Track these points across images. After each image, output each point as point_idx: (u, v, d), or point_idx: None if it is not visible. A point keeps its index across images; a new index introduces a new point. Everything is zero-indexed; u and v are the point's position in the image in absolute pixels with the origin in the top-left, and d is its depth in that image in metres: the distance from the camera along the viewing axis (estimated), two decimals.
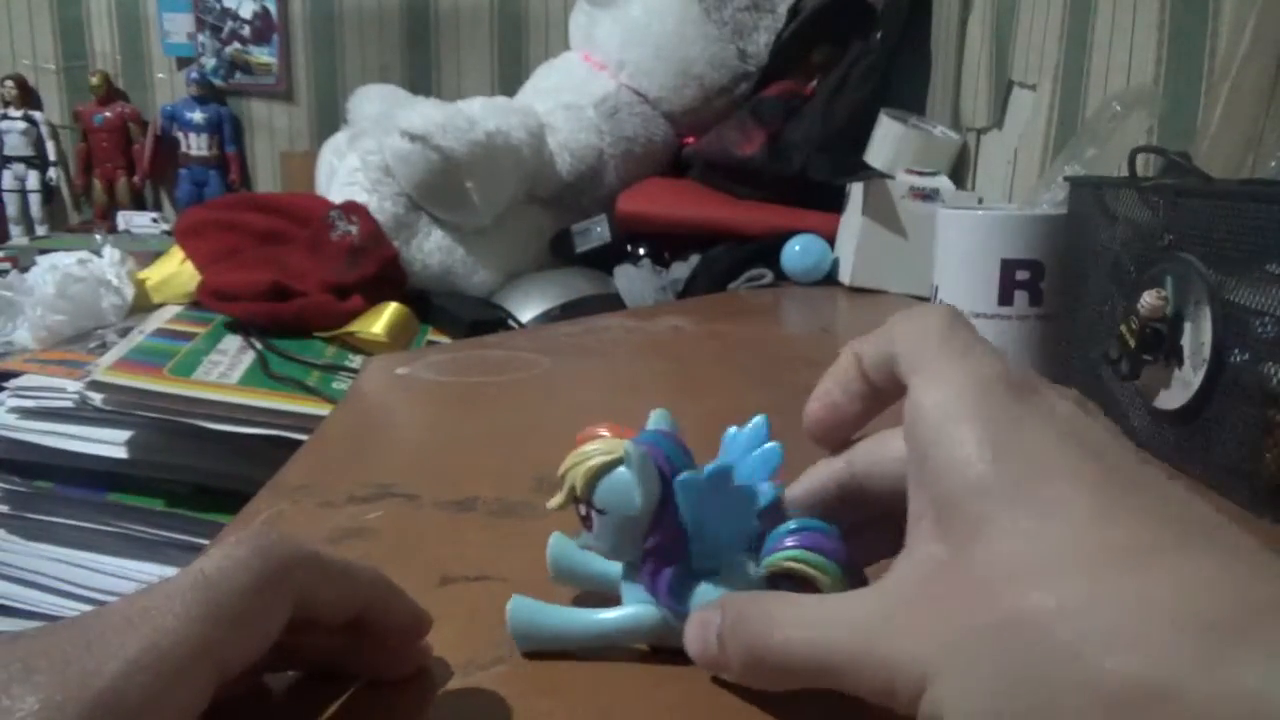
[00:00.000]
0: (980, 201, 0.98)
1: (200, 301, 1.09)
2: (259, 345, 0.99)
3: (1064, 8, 0.91)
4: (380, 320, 1.09)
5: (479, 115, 1.23)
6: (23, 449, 0.88)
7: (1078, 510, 0.19)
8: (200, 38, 2.09)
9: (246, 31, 2.08)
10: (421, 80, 2.02)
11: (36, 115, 2.10)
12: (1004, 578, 0.19)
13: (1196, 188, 0.45)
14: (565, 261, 1.33)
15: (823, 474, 0.28)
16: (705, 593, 0.27)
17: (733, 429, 0.29)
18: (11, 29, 2.11)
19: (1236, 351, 0.40)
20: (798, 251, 1.07)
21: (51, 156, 2.13)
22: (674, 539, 0.27)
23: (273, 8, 2.06)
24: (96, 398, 0.83)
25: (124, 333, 1.04)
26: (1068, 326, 0.56)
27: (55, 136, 2.13)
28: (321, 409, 0.86)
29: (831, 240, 1.09)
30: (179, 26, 2.09)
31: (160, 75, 2.13)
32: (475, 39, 2.04)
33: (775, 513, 0.27)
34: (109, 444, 0.87)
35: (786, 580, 0.26)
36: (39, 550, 0.87)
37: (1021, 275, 0.60)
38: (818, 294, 1.04)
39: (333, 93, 2.06)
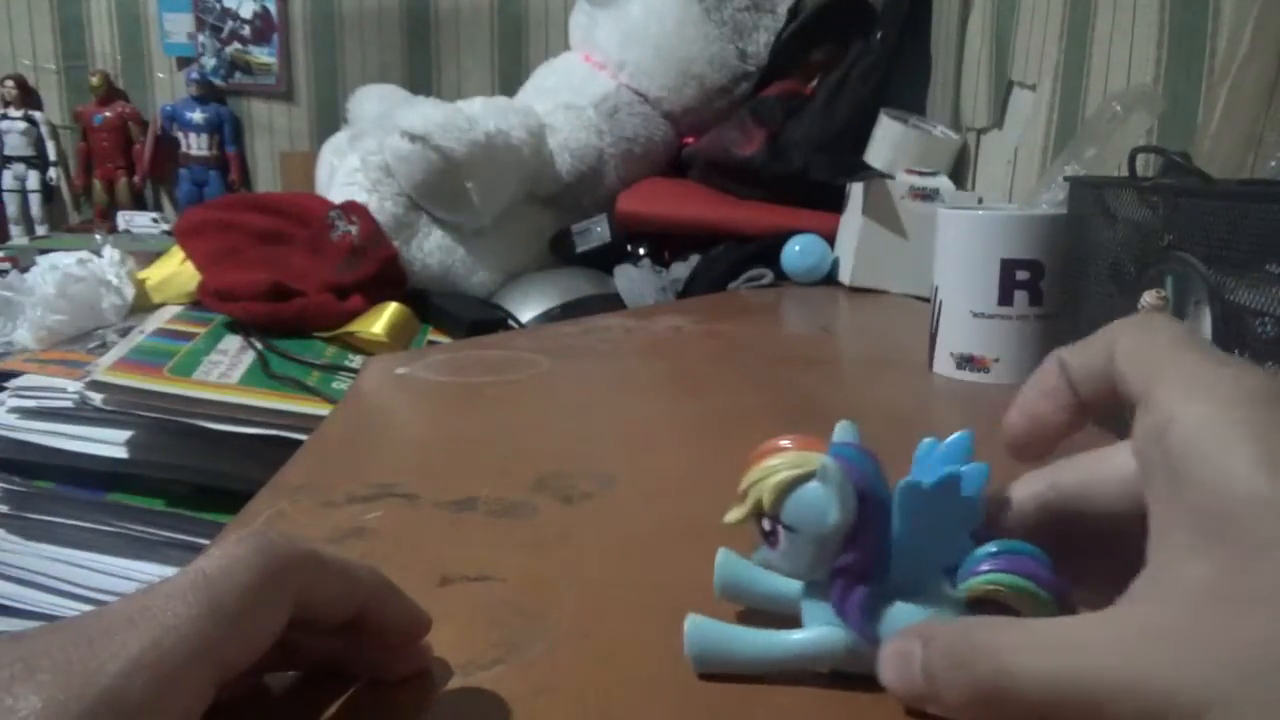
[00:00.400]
0: (980, 201, 0.98)
1: (200, 301, 1.09)
2: (259, 345, 0.99)
3: (1064, 8, 0.91)
4: (380, 320, 1.09)
5: (479, 115, 1.23)
6: (23, 449, 0.88)
7: None
8: (200, 38, 2.09)
9: (246, 31, 2.07)
10: (421, 80, 2.02)
11: (36, 115, 2.09)
12: None
13: (1196, 188, 0.45)
14: (565, 261, 1.33)
15: (1021, 495, 0.26)
16: (901, 615, 0.25)
17: (929, 440, 0.26)
18: (11, 29, 2.10)
19: (1236, 351, 0.40)
20: (798, 251, 1.07)
21: (51, 156, 2.13)
22: (869, 558, 0.25)
23: (273, 8, 2.06)
24: (96, 398, 0.83)
25: (124, 333, 1.04)
26: (1068, 326, 0.56)
27: (55, 136, 2.13)
28: (321, 409, 0.86)
29: (831, 240, 1.09)
30: (179, 26, 2.09)
31: (160, 75, 2.13)
32: (475, 39, 2.03)
33: (979, 535, 0.25)
34: (109, 444, 0.86)
35: (987, 607, 0.24)
36: (39, 550, 0.87)
37: (1021, 275, 0.61)
38: (818, 294, 1.04)
39: (333, 93, 2.06)
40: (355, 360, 1.03)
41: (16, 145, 2.08)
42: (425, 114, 1.20)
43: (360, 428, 0.56)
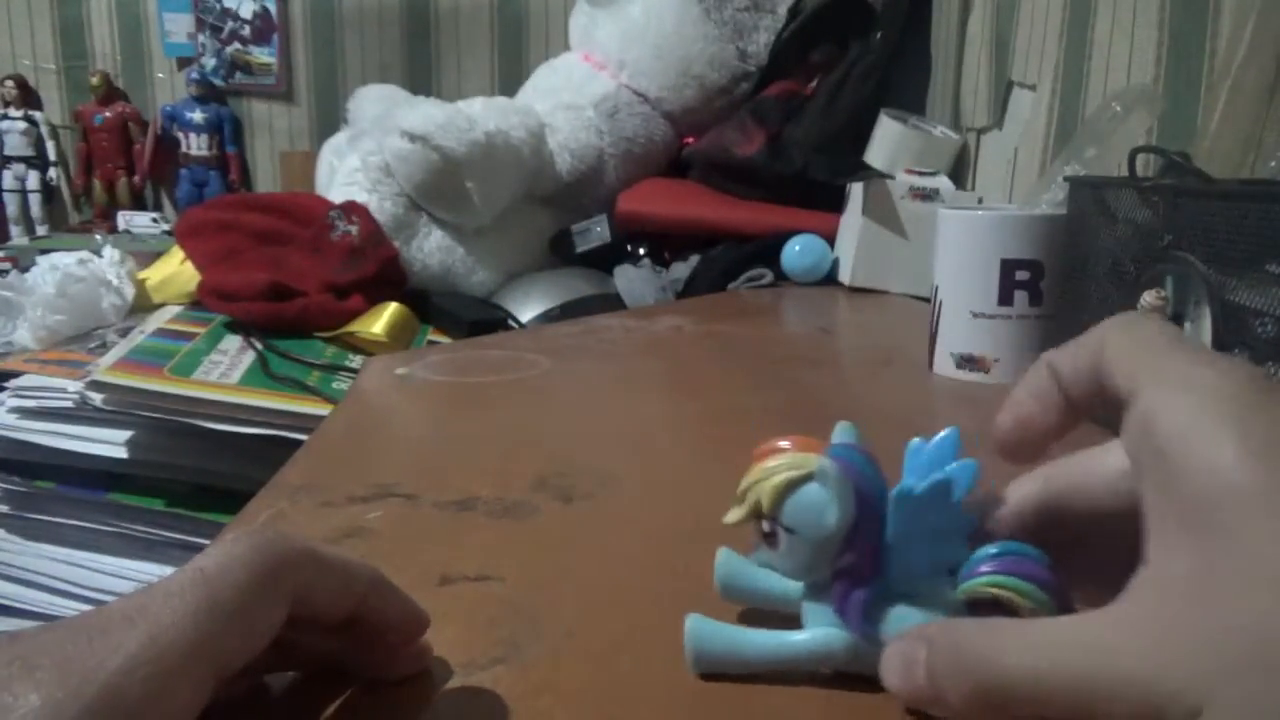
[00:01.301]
0: (980, 201, 0.98)
1: (200, 301, 1.09)
2: (259, 345, 0.99)
3: (1064, 8, 0.91)
4: (380, 320, 1.09)
5: (479, 115, 1.23)
6: (23, 449, 0.88)
7: None
8: (200, 38, 2.09)
9: (246, 31, 2.08)
10: (421, 80, 2.02)
11: (37, 115, 2.10)
12: (1274, 588, 0.17)
13: (1196, 188, 0.45)
14: (565, 261, 1.33)
15: (1015, 495, 0.26)
16: (901, 617, 0.25)
17: (918, 439, 0.26)
18: (11, 29, 2.10)
19: (1236, 351, 0.40)
20: (798, 251, 1.07)
21: (52, 156, 2.13)
22: (868, 559, 0.25)
23: (273, 8, 2.06)
24: (97, 398, 0.83)
25: (124, 333, 1.04)
26: (1068, 326, 0.56)
27: (55, 136, 2.14)
28: (321, 409, 0.86)
29: (831, 240, 1.09)
30: (179, 26, 2.09)
31: (160, 75, 2.13)
32: (475, 39, 2.04)
33: (977, 536, 0.25)
34: (109, 444, 0.87)
35: (987, 608, 0.24)
36: (39, 550, 0.87)
37: (1021, 275, 0.61)
38: (818, 294, 1.04)
39: (333, 93, 2.06)
40: (355, 360, 1.03)
41: (16, 145, 2.08)
42: (425, 114, 1.20)
43: (360, 428, 0.56)
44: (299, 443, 0.52)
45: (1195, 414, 0.20)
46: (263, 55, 2.08)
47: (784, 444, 0.26)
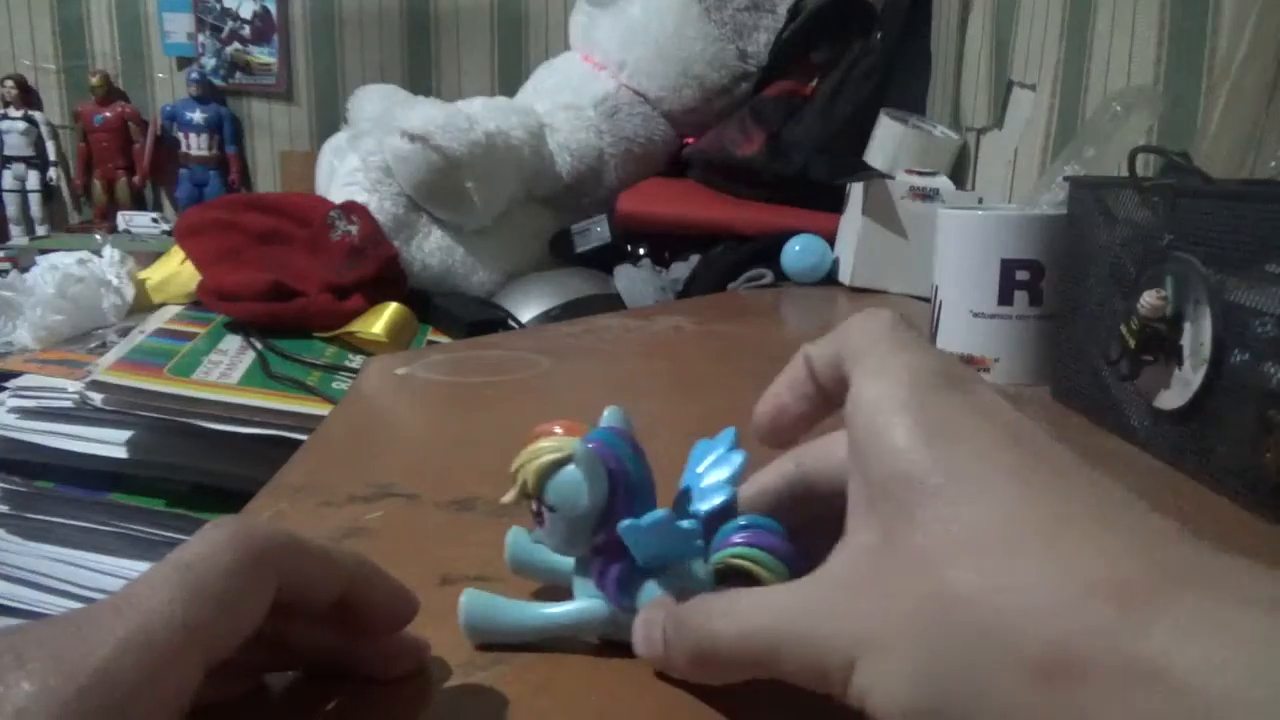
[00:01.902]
0: (980, 201, 0.98)
1: (200, 301, 1.09)
2: (259, 345, 0.99)
3: (1064, 8, 0.91)
4: (380, 320, 1.09)
5: (479, 115, 1.23)
6: (23, 449, 0.88)
7: (1000, 493, 0.20)
8: (200, 38, 2.09)
9: (246, 31, 2.08)
10: (421, 80, 2.02)
11: (37, 115, 2.10)
12: (930, 559, 0.20)
13: (1196, 188, 0.45)
14: (565, 261, 1.33)
15: (773, 474, 0.28)
16: (652, 589, 0.27)
17: (704, 440, 0.30)
18: (11, 29, 2.11)
19: (1236, 351, 0.40)
20: (798, 251, 1.07)
21: (51, 156, 2.13)
22: (619, 542, 0.27)
23: (273, 8, 2.06)
24: (96, 398, 0.83)
25: (124, 333, 1.04)
26: (1068, 326, 0.56)
27: (55, 136, 2.13)
28: (321, 409, 0.86)
29: (831, 240, 1.09)
30: (179, 26, 2.09)
31: (160, 75, 2.13)
32: (475, 39, 2.04)
33: (728, 514, 0.28)
34: (109, 444, 0.86)
35: (734, 577, 0.26)
36: (39, 550, 0.87)
37: (1021, 275, 0.60)
38: (818, 294, 1.04)
39: (333, 93, 2.06)
40: (355, 360, 1.03)
41: (16, 145, 2.08)
42: (425, 114, 1.20)
43: (360, 428, 0.56)
44: (299, 443, 0.52)
45: (881, 401, 0.22)
46: (263, 55, 2.08)
47: (556, 428, 0.28)
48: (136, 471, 0.88)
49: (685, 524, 0.27)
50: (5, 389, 0.92)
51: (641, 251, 1.26)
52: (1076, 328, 0.55)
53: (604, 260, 1.27)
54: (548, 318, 1.17)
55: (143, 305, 1.14)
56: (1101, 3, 0.84)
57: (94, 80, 2.06)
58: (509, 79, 1.96)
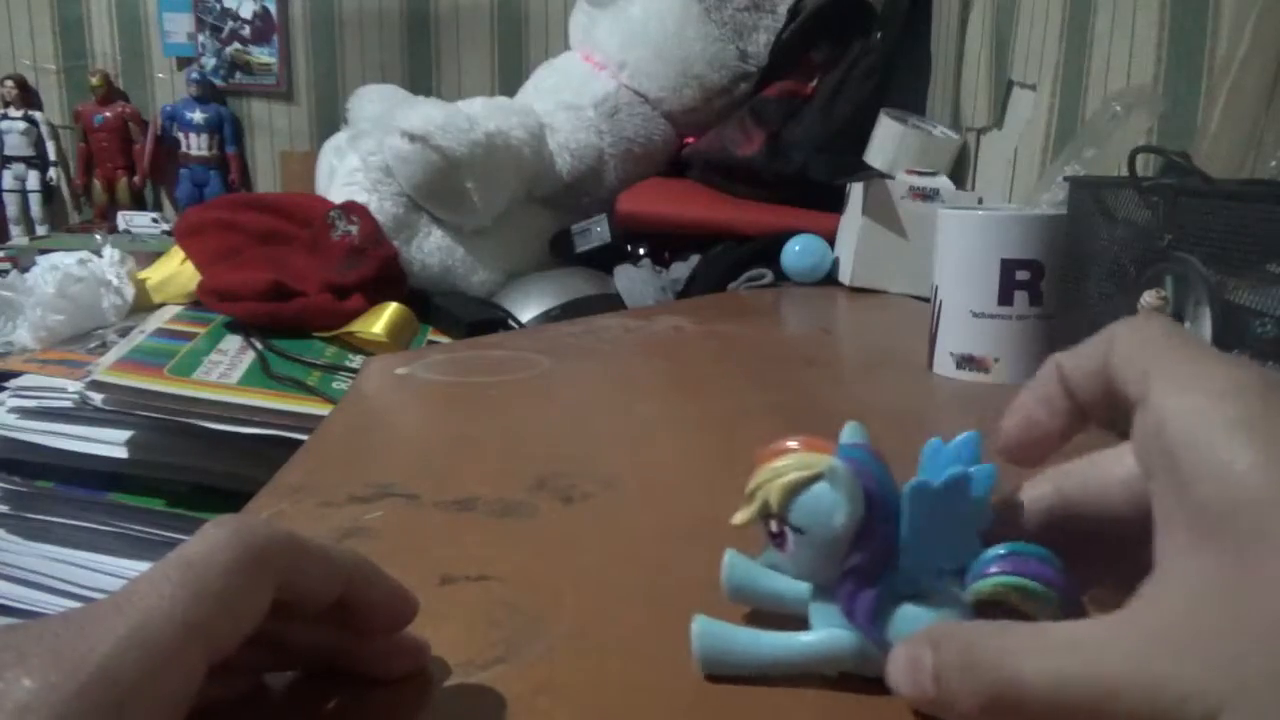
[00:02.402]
0: (980, 201, 0.98)
1: (200, 301, 1.09)
2: (259, 345, 0.99)
3: (1064, 8, 0.91)
4: (380, 320, 1.09)
5: (479, 115, 1.23)
6: (23, 449, 0.88)
7: None
8: (200, 38, 2.09)
9: (246, 31, 2.07)
10: (421, 80, 2.02)
11: (37, 115, 2.09)
12: None
13: (1196, 188, 0.45)
14: (565, 261, 1.33)
15: (1028, 497, 0.26)
16: (910, 618, 0.25)
17: (936, 440, 0.26)
18: (11, 29, 2.10)
19: (1236, 351, 0.40)
20: (798, 251, 1.07)
21: (52, 156, 2.13)
22: (878, 560, 0.25)
23: (273, 8, 2.06)
24: (97, 398, 0.83)
25: (124, 333, 1.04)
26: (1068, 326, 0.56)
27: (55, 136, 2.13)
28: (321, 409, 0.86)
29: (831, 240, 1.09)
30: (179, 26, 2.09)
31: (160, 75, 2.13)
32: (475, 39, 2.03)
33: (987, 539, 0.25)
34: (109, 444, 0.86)
35: (995, 610, 0.24)
36: (39, 550, 0.87)
37: (1021, 275, 0.61)
38: (818, 294, 1.04)
39: (333, 93, 2.06)
40: (355, 360, 1.03)
41: (16, 145, 2.08)
42: (425, 114, 1.20)
43: (360, 428, 0.56)
44: (299, 443, 0.52)
45: (1205, 416, 0.20)
46: (263, 55, 2.08)
47: (792, 444, 0.26)
48: (136, 471, 0.88)
49: (978, 496, 0.24)
50: (5, 389, 0.92)
51: (641, 251, 1.26)
52: (1076, 328, 0.55)
53: (604, 260, 1.27)
54: (548, 318, 1.17)
55: (143, 305, 1.14)
56: (1101, 3, 0.84)
57: (94, 80, 2.06)
58: (509, 79, 1.96)
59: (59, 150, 2.14)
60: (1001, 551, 0.24)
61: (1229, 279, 0.41)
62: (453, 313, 1.18)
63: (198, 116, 2.06)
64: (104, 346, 1.01)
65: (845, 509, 0.24)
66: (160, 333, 1.00)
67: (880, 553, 0.25)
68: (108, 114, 2.07)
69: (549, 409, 0.59)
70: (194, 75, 2.06)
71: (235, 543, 0.22)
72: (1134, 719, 0.18)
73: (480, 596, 0.32)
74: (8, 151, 2.08)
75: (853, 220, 1.03)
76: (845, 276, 1.03)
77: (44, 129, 2.10)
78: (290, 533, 0.24)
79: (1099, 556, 0.23)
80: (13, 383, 0.92)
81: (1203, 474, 0.19)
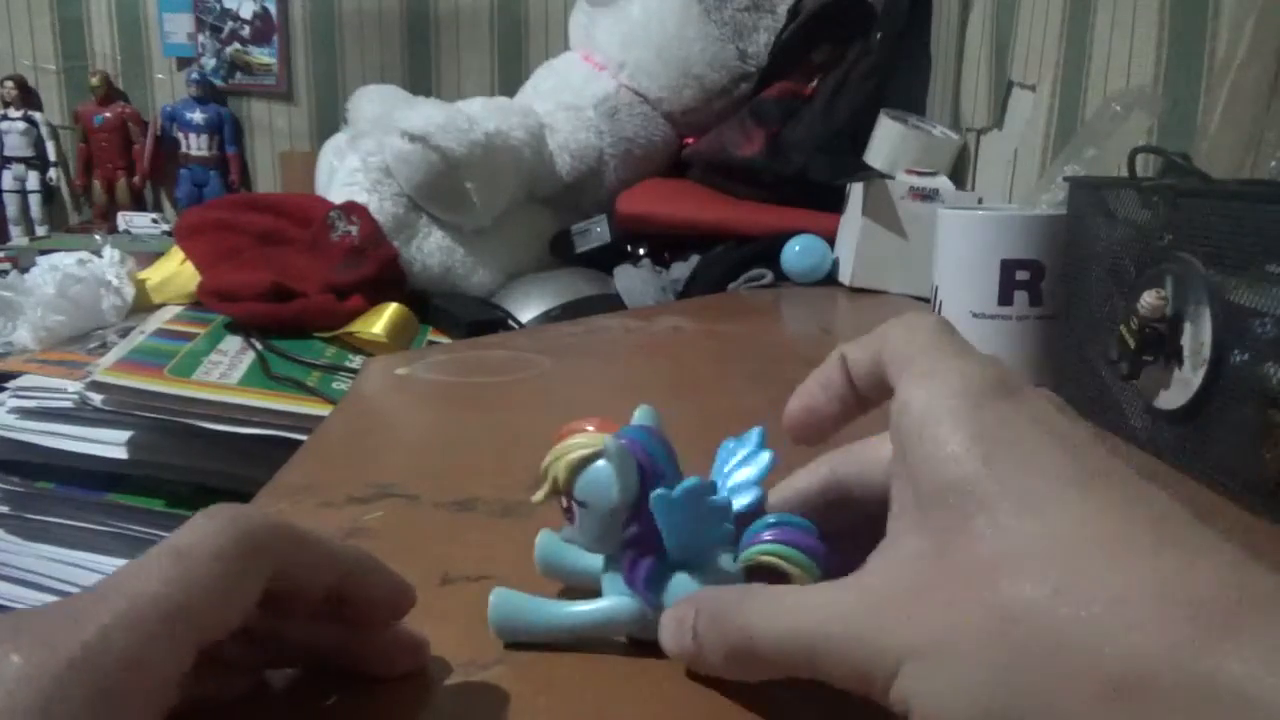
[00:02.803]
0: (980, 201, 0.98)
1: (200, 302, 1.09)
2: (259, 346, 0.99)
3: (1064, 8, 0.91)
4: (380, 321, 1.09)
5: (479, 116, 1.23)
6: (23, 449, 0.88)
7: (1062, 505, 0.19)
8: (200, 38, 2.09)
9: (246, 32, 2.08)
10: (421, 80, 2.02)
11: (36, 116, 2.09)
12: (992, 570, 0.19)
13: (1196, 188, 0.45)
14: (565, 261, 1.33)
15: (806, 478, 0.28)
16: (681, 585, 0.27)
17: (731, 440, 0.30)
18: (11, 29, 2.10)
19: (1236, 351, 0.40)
20: (798, 252, 1.07)
21: (51, 157, 2.13)
22: (652, 532, 0.27)
23: (273, 8, 2.06)
24: (96, 398, 0.83)
25: (124, 333, 1.04)
26: (1068, 326, 0.56)
27: (55, 137, 2.13)
28: (321, 409, 0.86)
29: (831, 241, 1.09)
30: (179, 27, 2.09)
31: (160, 75, 2.13)
32: (475, 39, 2.04)
33: (757, 515, 0.27)
34: (109, 444, 0.86)
35: (763, 575, 0.26)
36: (39, 550, 0.87)
37: (1021, 275, 0.60)
38: (818, 294, 1.04)
39: (333, 93, 2.06)
40: (355, 361, 1.03)
41: (16, 146, 2.08)
42: (425, 114, 1.20)
43: (360, 428, 0.56)
44: (299, 443, 0.52)
45: (930, 407, 0.22)
46: (262, 55, 2.08)
47: (587, 426, 0.28)
48: (136, 472, 0.88)
49: (717, 499, 0.27)
50: (5, 389, 0.92)
51: (641, 252, 1.26)
52: (1076, 328, 0.55)
53: (604, 260, 1.27)
54: (548, 318, 1.16)
55: (143, 305, 1.14)
56: (1101, 3, 0.84)
57: (94, 81, 2.06)
58: (509, 79, 1.96)
59: (59, 151, 2.14)
60: (771, 521, 0.26)
61: (1229, 279, 0.41)
62: (453, 313, 1.18)
63: (197, 117, 2.06)
64: (104, 347, 1.01)
65: (619, 483, 0.26)
66: (160, 333, 1.00)
67: (655, 526, 0.27)
68: (107, 114, 2.07)
69: (549, 409, 0.59)
70: (194, 76, 2.06)
71: (227, 530, 0.22)
72: (842, 668, 0.21)
73: (480, 596, 0.32)
74: (7, 152, 2.08)
75: (853, 220, 1.03)
76: (845, 277, 1.03)
77: (44, 129, 2.10)
78: (285, 522, 0.24)
79: (867, 532, 0.25)
80: (13, 383, 0.92)
81: (923, 460, 0.21)
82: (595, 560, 0.29)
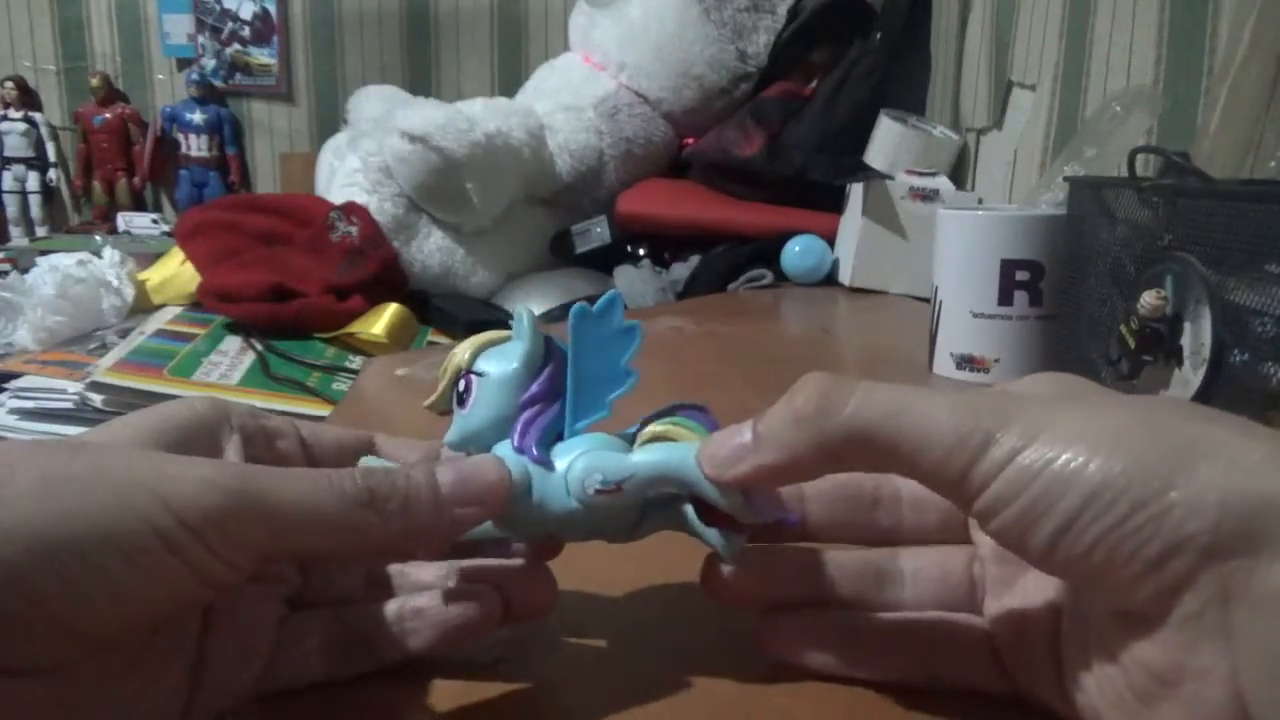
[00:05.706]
0: (980, 202, 0.98)
1: (200, 302, 1.09)
2: (259, 346, 0.99)
3: (1064, 8, 0.91)
4: (380, 321, 1.09)
5: (479, 116, 1.23)
6: None
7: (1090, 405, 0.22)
8: (200, 39, 2.09)
9: (246, 32, 2.08)
10: (421, 80, 2.02)
11: (36, 116, 2.10)
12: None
13: (1196, 188, 0.45)
14: (565, 262, 1.33)
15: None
16: (573, 443, 0.26)
17: (582, 304, 0.28)
18: (11, 29, 2.11)
19: (1236, 351, 0.40)
20: (798, 252, 1.07)
21: (51, 158, 2.13)
22: (551, 390, 0.27)
23: (272, 8, 2.06)
24: (97, 399, 0.83)
25: (124, 334, 1.04)
26: (1068, 326, 0.56)
27: (55, 138, 2.14)
28: (321, 409, 0.86)
29: (831, 241, 1.09)
30: (179, 27, 2.09)
31: (160, 76, 2.13)
32: (475, 39, 2.04)
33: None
34: None
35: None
36: None
37: (1021, 275, 0.61)
38: (818, 294, 1.04)
39: (333, 93, 2.06)
40: (355, 361, 1.03)
41: (16, 146, 2.08)
42: (425, 115, 1.20)
43: (360, 428, 0.56)
44: None
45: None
46: (262, 56, 2.09)
47: None
48: None
49: (630, 325, 0.27)
50: (5, 390, 0.92)
51: (641, 252, 1.26)
52: (1076, 328, 0.55)
53: (604, 260, 1.27)
54: (548, 318, 1.17)
55: (143, 306, 1.14)
56: (1101, 3, 0.84)
57: (94, 81, 2.06)
58: (509, 79, 1.96)
59: (59, 151, 2.14)
60: (677, 403, 0.27)
61: (1229, 279, 0.41)
62: (452, 313, 1.18)
63: (197, 117, 2.06)
64: (104, 348, 1.01)
65: (527, 344, 0.27)
66: (160, 334, 1.00)
67: (554, 384, 0.27)
68: (107, 115, 2.07)
69: None
70: (194, 76, 2.06)
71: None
72: (933, 450, 0.22)
73: None
74: (7, 153, 2.08)
75: (853, 221, 1.03)
76: (845, 277, 1.03)
77: (44, 130, 2.11)
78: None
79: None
80: (13, 384, 0.92)
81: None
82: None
